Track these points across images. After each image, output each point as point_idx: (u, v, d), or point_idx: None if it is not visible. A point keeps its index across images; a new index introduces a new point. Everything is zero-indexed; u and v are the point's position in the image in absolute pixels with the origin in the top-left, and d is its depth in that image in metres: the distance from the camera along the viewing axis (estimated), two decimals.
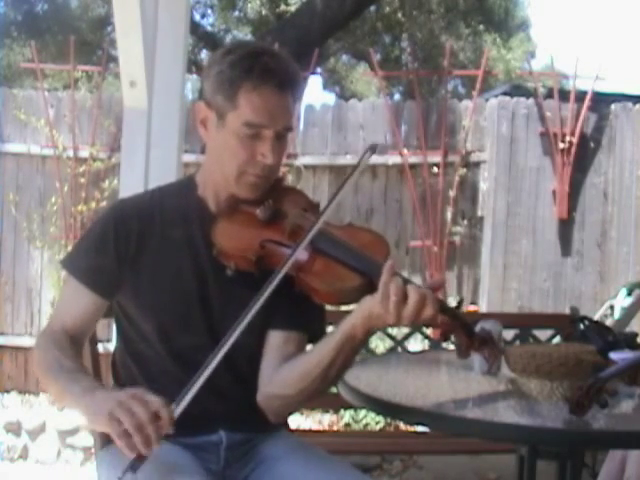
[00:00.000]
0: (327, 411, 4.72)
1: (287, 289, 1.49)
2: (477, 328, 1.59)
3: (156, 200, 1.68)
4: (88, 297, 1.60)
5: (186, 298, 1.61)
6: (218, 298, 1.61)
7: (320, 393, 1.58)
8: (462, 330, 1.52)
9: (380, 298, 1.40)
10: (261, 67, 1.53)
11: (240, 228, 1.60)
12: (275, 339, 1.61)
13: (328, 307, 1.64)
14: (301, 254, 1.50)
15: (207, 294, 1.61)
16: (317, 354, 1.53)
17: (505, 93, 6.04)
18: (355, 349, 1.50)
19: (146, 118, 3.14)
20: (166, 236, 1.62)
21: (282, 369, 1.57)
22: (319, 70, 10.34)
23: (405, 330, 3.35)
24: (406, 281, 1.42)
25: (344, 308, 1.61)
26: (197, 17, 11.10)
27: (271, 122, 1.55)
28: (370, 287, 1.45)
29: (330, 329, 1.60)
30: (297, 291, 1.52)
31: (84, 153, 5.32)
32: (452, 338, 1.56)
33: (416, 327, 3.23)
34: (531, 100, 5.42)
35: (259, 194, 1.61)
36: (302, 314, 1.60)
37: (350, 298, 1.48)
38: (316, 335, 1.63)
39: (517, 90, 6.43)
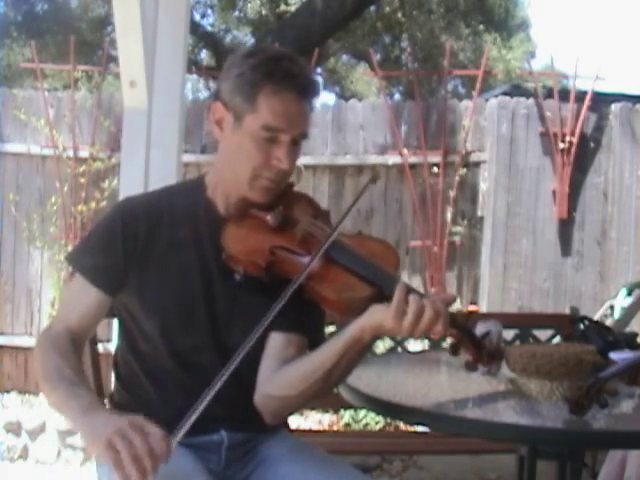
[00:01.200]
0: (327, 411, 4.72)
1: (292, 293, 1.48)
2: (477, 330, 1.59)
3: (164, 199, 1.68)
4: (93, 294, 1.59)
5: (191, 298, 1.60)
6: (224, 302, 1.61)
7: (319, 396, 1.57)
8: (471, 344, 1.52)
9: (394, 313, 1.40)
10: (283, 72, 1.54)
11: (250, 233, 1.60)
12: (276, 341, 1.60)
13: None
14: (313, 264, 1.50)
15: (213, 296, 1.61)
16: (321, 355, 1.52)
17: (505, 93, 6.03)
18: (360, 352, 1.50)
19: (146, 118, 3.14)
20: (173, 236, 1.62)
21: (283, 370, 1.57)
22: (319, 70, 10.34)
23: None
24: (421, 296, 1.42)
25: None
26: (197, 17, 11.09)
27: (289, 127, 1.55)
28: (379, 298, 1.45)
29: (330, 329, 1.60)
30: (306, 298, 1.52)
31: (84, 153, 5.32)
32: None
33: None
34: (531, 100, 5.42)
35: (270, 198, 1.61)
36: (304, 317, 1.60)
37: (359, 308, 1.47)
38: (316, 340, 1.63)
39: (517, 90, 6.43)
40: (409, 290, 1.42)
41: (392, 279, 1.47)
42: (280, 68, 1.54)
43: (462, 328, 1.50)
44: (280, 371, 1.57)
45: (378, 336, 1.47)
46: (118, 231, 1.60)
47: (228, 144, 1.61)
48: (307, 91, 1.58)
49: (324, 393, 1.58)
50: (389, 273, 1.50)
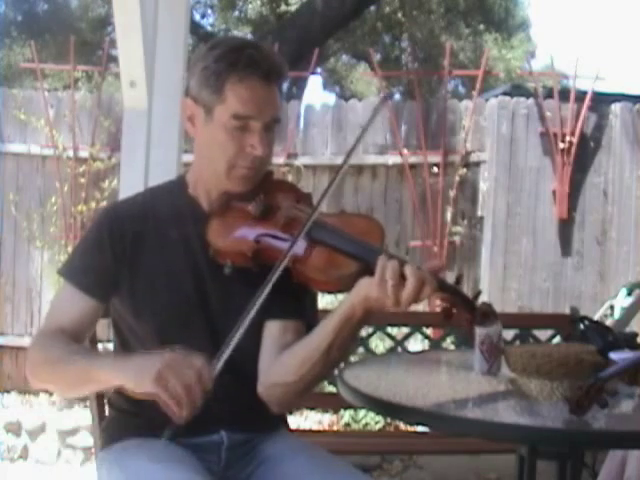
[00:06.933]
0: (327, 411, 4.72)
1: (281, 279, 1.49)
2: (476, 331, 1.59)
3: (148, 201, 1.69)
4: (84, 301, 1.59)
5: (184, 297, 1.61)
6: (217, 297, 1.61)
7: (321, 379, 1.59)
8: (463, 305, 1.51)
9: (377, 281, 1.41)
10: (246, 59, 1.54)
11: (234, 225, 1.60)
12: (273, 329, 1.61)
13: (324, 306, 1.64)
14: (297, 246, 1.51)
15: (205, 292, 1.61)
16: (316, 337, 1.53)
17: (505, 93, 6.03)
18: (354, 330, 1.51)
19: (146, 118, 3.13)
20: (161, 236, 1.63)
21: (282, 356, 1.58)
22: (319, 70, 10.35)
23: (405, 330, 3.35)
24: (403, 263, 1.42)
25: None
26: (197, 17, 11.13)
27: (259, 113, 1.56)
28: (367, 271, 1.45)
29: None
30: (295, 282, 1.53)
31: (84, 153, 5.33)
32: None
33: (416, 327, 3.24)
34: (531, 100, 5.42)
35: (250, 187, 1.61)
36: (298, 302, 1.61)
37: (349, 284, 1.48)
38: (311, 323, 1.63)
39: (517, 90, 6.43)
40: (390, 257, 1.43)
41: (376, 251, 1.47)
42: (243, 56, 1.54)
43: (452, 290, 1.50)
44: (279, 358, 1.58)
45: (370, 310, 1.47)
46: (105, 236, 1.61)
47: (202, 139, 1.62)
48: (272, 76, 1.57)
49: (325, 376, 1.60)
50: (373, 246, 1.50)
